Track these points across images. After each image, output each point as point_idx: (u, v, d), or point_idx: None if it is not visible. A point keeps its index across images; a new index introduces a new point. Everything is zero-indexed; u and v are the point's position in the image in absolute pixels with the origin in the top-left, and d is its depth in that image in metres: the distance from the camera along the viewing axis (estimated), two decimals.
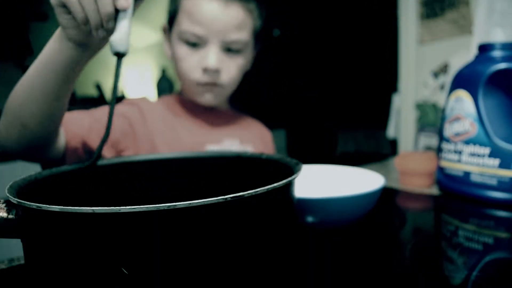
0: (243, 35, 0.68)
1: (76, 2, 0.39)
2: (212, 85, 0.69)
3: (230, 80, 0.70)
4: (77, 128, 0.57)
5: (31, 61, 0.45)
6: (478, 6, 0.86)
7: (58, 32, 0.43)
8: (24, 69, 0.46)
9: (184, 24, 0.66)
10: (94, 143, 0.58)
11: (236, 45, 0.68)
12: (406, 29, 1.14)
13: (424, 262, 0.40)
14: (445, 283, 0.35)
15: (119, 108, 0.69)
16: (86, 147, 0.58)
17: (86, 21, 0.40)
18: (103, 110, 0.65)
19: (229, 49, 0.68)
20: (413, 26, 1.11)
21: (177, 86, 2.72)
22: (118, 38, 0.40)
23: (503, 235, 0.49)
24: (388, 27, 1.63)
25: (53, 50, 0.43)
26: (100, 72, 2.50)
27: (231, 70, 0.69)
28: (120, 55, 0.40)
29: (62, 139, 0.55)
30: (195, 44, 0.66)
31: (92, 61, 0.48)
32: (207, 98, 0.71)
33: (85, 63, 0.46)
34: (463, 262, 0.40)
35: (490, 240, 0.47)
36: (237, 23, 0.66)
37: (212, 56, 0.66)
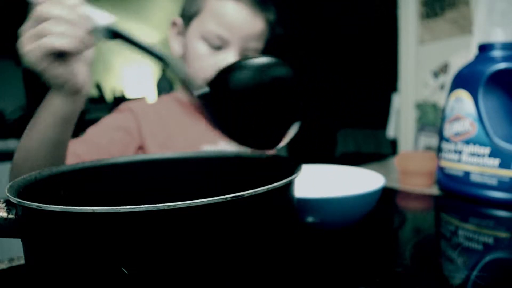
0: (259, 45, 0.71)
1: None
2: None
3: None
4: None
5: None
6: (478, 6, 0.86)
7: (48, 98, 0.45)
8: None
9: (210, 24, 0.66)
10: None
11: (252, 54, 0.70)
12: (406, 29, 1.14)
13: (424, 262, 0.40)
14: (445, 283, 0.35)
15: (115, 118, 0.70)
16: None
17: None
18: (93, 130, 0.66)
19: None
20: (413, 26, 1.11)
21: (177, 85, 2.71)
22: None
23: (503, 235, 0.49)
24: (388, 27, 1.63)
25: (52, 108, 0.45)
26: (100, 72, 2.51)
27: None
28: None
29: None
30: (216, 46, 0.67)
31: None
32: None
33: (78, 111, 0.47)
34: (463, 262, 0.40)
35: (490, 240, 0.47)
36: (260, 33, 0.69)
37: (232, 60, 0.68)
